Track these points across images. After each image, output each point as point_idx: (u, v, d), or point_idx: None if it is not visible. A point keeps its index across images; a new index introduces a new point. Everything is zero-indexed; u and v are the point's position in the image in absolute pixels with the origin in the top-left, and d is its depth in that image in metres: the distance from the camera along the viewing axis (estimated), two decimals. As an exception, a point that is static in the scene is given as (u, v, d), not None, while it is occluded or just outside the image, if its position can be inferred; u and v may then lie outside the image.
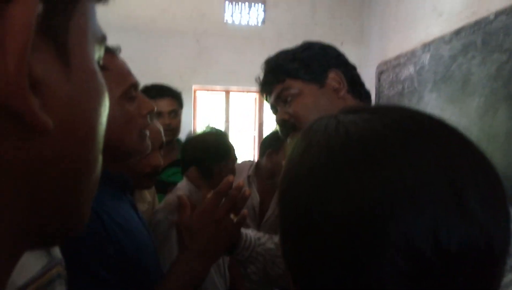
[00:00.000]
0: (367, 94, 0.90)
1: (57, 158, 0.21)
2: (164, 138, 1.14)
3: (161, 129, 1.09)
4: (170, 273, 0.75)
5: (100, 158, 0.25)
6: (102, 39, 0.25)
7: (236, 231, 0.81)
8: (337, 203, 0.31)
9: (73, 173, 0.23)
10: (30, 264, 0.44)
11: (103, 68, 0.25)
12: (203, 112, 4.11)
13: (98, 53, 0.24)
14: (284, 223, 0.36)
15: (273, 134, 2.00)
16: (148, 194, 1.48)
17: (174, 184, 1.62)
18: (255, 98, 4.09)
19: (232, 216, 0.81)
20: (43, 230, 0.23)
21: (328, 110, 0.82)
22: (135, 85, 0.74)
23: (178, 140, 2.09)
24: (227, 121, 4.03)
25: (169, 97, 1.88)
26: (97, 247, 0.65)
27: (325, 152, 0.33)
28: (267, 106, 0.93)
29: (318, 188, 0.32)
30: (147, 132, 0.78)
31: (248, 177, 1.98)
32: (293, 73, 0.85)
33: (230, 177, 0.81)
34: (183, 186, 1.54)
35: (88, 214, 0.26)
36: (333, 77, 0.85)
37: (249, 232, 0.96)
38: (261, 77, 0.92)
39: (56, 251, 0.52)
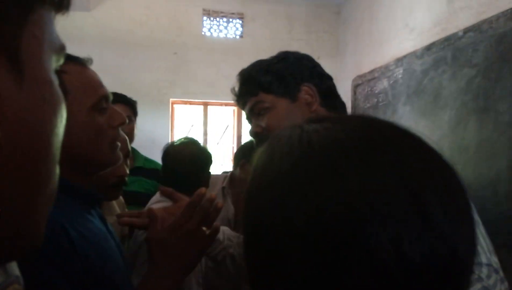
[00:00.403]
0: (342, 105, 0.90)
1: (7, 169, 0.20)
2: (129, 147, 1.12)
3: (127, 138, 1.07)
4: (142, 288, 0.73)
5: (56, 170, 0.24)
6: (61, 48, 0.24)
7: (208, 244, 0.80)
8: (298, 214, 0.30)
9: (26, 186, 0.22)
10: None
11: (72, 80, 0.25)
12: (180, 125, 4.09)
13: (56, 63, 0.24)
14: (246, 232, 0.35)
15: (247, 145, 2.00)
16: (117, 206, 1.45)
17: (133, 193, 1.60)
18: (234, 111, 4.10)
19: (204, 229, 0.79)
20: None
21: None
22: (105, 96, 0.73)
23: (133, 149, 2.07)
24: (205, 134, 4.02)
25: (121, 104, 1.85)
26: (62, 262, 0.62)
27: (287, 161, 0.32)
28: (245, 119, 0.94)
29: (279, 198, 0.31)
30: (118, 144, 0.77)
31: (223, 188, 1.97)
32: (265, 86, 0.86)
33: (202, 189, 0.80)
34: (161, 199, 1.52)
35: (44, 227, 0.25)
36: (306, 91, 0.85)
37: (221, 228, 0.95)
38: (236, 88, 0.93)
39: (13, 268, 0.50)
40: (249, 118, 0.91)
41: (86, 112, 0.68)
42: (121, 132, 0.85)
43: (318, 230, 0.29)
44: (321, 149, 0.31)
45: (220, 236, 0.94)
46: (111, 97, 0.75)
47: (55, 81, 0.23)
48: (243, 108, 0.92)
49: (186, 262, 0.76)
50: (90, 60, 0.73)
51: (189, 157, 1.46)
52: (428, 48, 2.49)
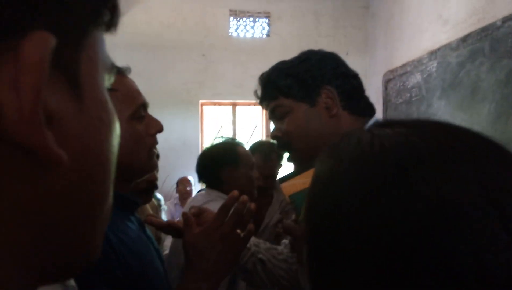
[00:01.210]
0: (369, 107, 0.86)
1: (70, 192, 0.21)
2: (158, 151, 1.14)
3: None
4: None
5: (112, 187, 0.25)
6: (112, 67, 0.24)
7: (243, 246, 0.80)
8: (371, 221, 0.29)
9: (86, 205, 0.22)
10: None
11: (112, 89, 0.24)
12: (210, 126, 4.12)
13: (108, 82, 0.24)
14: (312, 239, 0.34)
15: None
16: (150, 209, 1.48)
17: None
18: (262, 110, 4.09)
19: (238, 231, 0.79)
20: (56, 265, 0.22)
21: (319, 130, 0.81)
22: (144, 105, 0.74)
23: None
24: (234, 134, 4.03)
25: None
26: (105, 269, 0.63)
27: (358, 168, 0.31)
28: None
29: (350, 205, 0.30)
30: (155, 151, 0.78)
31: None
32: (285, 91, 0.85)
33: (235, 192, 0.80)
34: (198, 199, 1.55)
35: (101, 244, 0.26)
36: (326, 95, 0.83)
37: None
38: (258, 91, 0.92)
39: (70, 279, 0.51)
40: (271, 119, 0.92)
41: (125, 121, 0.69)
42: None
43: (391, 236, 0.28)
44: (395, 155, 0.30)
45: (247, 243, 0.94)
46: (148, 105, 0.76)
47: (109, 100, 0.23)
48: (266, 109, 0.92)
49: (223, 265, 0.76)
50: (128, 69, 0.74)
51: (206, 152, 1.54)
52: (464, 39, 2.39)
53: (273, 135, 0.89)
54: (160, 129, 0.76)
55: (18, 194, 0.18)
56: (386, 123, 0.34)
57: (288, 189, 0.73)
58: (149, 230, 0.95)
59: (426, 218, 0.27)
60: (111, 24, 0.23)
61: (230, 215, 0.77)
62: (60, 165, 0.18)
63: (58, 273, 0.23)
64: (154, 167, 0.77)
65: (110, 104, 0.23)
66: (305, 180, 0.70)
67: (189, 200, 1.65)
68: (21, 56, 0.17)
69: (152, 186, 0.99)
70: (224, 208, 0.77)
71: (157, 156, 1.08)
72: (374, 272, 0.28)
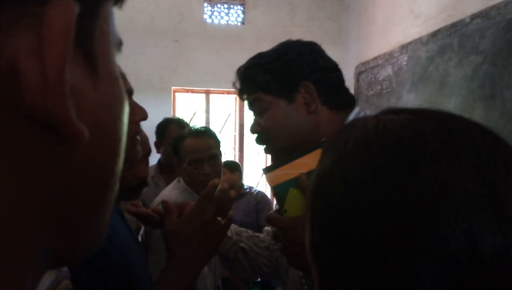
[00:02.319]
0: (349, 99, 0.87)
1: (85, 169, 0.20)
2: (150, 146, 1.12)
3: (147, 137, 1.07)
4: (160, 282, 0.73)
5: (120, 168, 0.24)
6: (120, 43, 0.23)
7: (223, 233, 0.81)
8: (374, 203, 0.30)
9: (100, 184, 0.22)
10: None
11: None
12: (183, 114, 4.07)
13: (117, 58, 0.23)
14: (316, 222, 0.35)
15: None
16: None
17: None
18: (235, 99, 4.08)
19: (219, 219, 0.80)
20: (66, 247, 0.21)
21: (298, 126, 0.82)
22: (128, 91, 0.73)
23: None
24: (207, 122, 4.01)
25: None
26: (89, 260, 0.63)
27: (363, 151, 0.33)
28: (247, 106, 0.94)
29: (355, 188, 0.32)
30: (138, 138, 0.77)
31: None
32: (263, 86, 0.85)
33: (215, 180, 0.81)
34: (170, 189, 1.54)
35: (106, 232, 0.25)
36: (304, 91, 0.83)
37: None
38: (237, 84, 0.92)
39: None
40: (251, 110, 0.92)
41: None
42: (143, 130, 0.86)
43: (394, 220, 0.29)
44: (399, 139, 0.32)
45: (228, 232, 0.95)
46: (133, 92, 0.75)
47: (120, 77, 0.22)
48: (244, 101, 0.93)
49: (204, 252, 0.77)
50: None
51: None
52: (434, 34, 2.47)
53: (252, 130, 0.89)
54: (144, 116, 0.75)
55: (36, 170, 0.18)
56: (391, 110, 0.36)
57: (272, 180, 0.73)
58: (129, 221, 0.94)
59: (425, 198, 0.29)
60: None
61: (211, 203, 0.78)
62: (81, 140, 0.18)
63: (66, 257, 0.22)
64: (136, 154, 0.77)
65: (121, 81, 0.22)
66: (289, 171, 0.72)
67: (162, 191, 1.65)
68: (45, 23, 0.16)
69: (143, 182, 0.98)
70: (204, 196, 0.78)
71: (149, 153, 1.06)
72: (377, 249, 0.30)
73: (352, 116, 0.83)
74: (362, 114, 0.84)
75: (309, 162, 0.70)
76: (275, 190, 0.73)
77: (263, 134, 0.86)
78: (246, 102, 0.92)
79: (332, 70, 0.88)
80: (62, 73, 0.16)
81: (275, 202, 0.92)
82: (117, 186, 0.24)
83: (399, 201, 0.29)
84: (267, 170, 0.74)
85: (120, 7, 0.23)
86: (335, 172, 0.34)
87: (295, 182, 0.71)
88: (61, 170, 0.19)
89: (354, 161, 0.33)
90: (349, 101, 0.88)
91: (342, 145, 0.35)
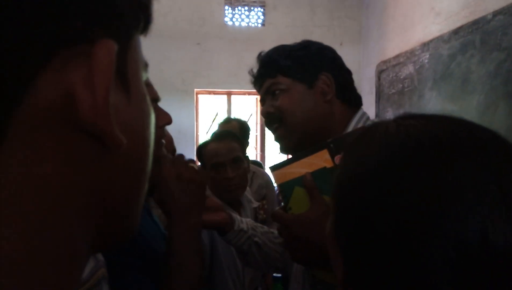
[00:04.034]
0: (357, 100, 0.91)
1: (125, 170, 0.25)
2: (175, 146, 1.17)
3: (172, 137, 1.12)
4: (170, 241, 0.77)
5: (149, 170, 0.29)
6: (146, 65, 0.29)
7: (203, 175, 0.84)
8: (397, 200, 0.34)
9: (134, 182, 0.27)
10: None
11: None
12: (205, 115, 4.15)
13: (144, 78, 0.28)
14: (342, 217, 0.39)
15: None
16: None
17: None
18: (256, 99, 4.13)
19: (191, 164, 0.83)
20: (105, 234, 0.27)
21: (312, 111, 0.84)
22: (155, 99, 0.79)
23: None
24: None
25: None
26: (123, 251, 0.69)
27: (385, 151, 0.37)
28: (260, 101, 0.95)
29: (377, 183, 0.36)
30: (163, 141, 0.83)
31: None
32: (284, 70, 0.86)
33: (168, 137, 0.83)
34: None
35: (138, 224, 0.30)
36: (323, 80, 0.85)
37: (243, 219, 1.00)
38: (255, 70, 0.94)
39: (99, 254, 0.55)
40: (263, 99, 0.93)
41: None
42: (167, 132, 0.91)
43: (413, 214, 0.33)
44: (418, 142, 0.35)
45: (244, 226, 0.98)
46: (159, 100, 0.80)
47: (147, 93, 0.28)
48: (259, 90, 0.93)
49: (190, 200, 0.79)
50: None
51: None
52: (456, 32, 2.45)
53: (264, 111, 0.90)
54: (168, 121, 0.80)
55: (88, 172, 0.23)
56: (409, 116, 0.40)
57: (278, 177, 0.75)
58: (156, 216, 1.00)
59: (443, 196, 0.33)
60: (145, 28, 0.27)
61: (176, 157, 0.83)
62: (120, 147, 0.23)
63: (104, 243, 0.27)
64: (161, 156, 0.82)
65: (148, 98, 0.28)
66: (295, 170, 0.74)
67: None
68: (94, 59, 0.20)
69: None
70: (165, 154, 0.81)
71: (174, 152, 1.11)
72: (399, 239, 0.34)
73: (357, 116, 0.86)
74: (366, 116, 0.87)
75: (314, 161, 0.72)
76: (281, 187, 0.75)
77: (275, 115, 0.87)
78: (258, 93, 0.94)
79: (348, 72, 0.92)
80: (107, 97, 0.21)
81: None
82: (147, 183, 0.29)
83: (419, 197, 0.33)
84: (274, 168, 0.76)
85: (146, 35, 0.28)
86: (360, 172, 0.38)
87: (300, 181, 0.72)
88: (106, 171, 0.24)
89: (378, 162, 0.37)
90: (359, 101, 0.91)
91: (365, 147, 0.39)
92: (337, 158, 0.70)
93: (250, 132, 1.83)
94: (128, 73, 0.25)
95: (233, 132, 1.58)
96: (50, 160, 0.21)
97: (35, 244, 0.21)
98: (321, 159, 0.71)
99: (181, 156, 0.83)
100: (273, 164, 0.77)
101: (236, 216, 1.00)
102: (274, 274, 1.31)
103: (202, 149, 1.48)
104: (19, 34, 0.18)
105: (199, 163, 1.52)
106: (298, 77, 0.86)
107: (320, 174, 0.71)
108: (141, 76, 0.27)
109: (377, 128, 0.40)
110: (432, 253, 0.32)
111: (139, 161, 0.27)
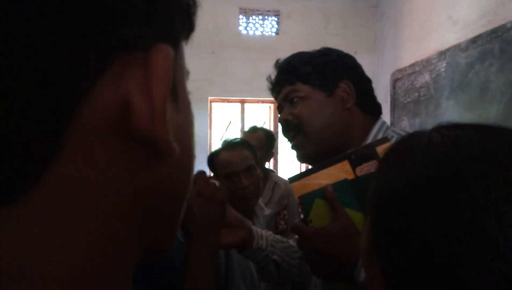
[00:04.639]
0: (377, 108, 0.89)
1: (171, 183, 0.24)
2: None
3: None
4: (187, 259, 0.77)
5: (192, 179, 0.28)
6: (187, 73, 0.28)
7: (224, 193, 0.82)
8: (444, 213, 0.32)
9: (181, 192, 0.26)
10: None
11: None
12: (219, 123, 4.16)
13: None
14: (384, 231, 0.38)
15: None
16: None
17: None
18: (270, 107, 4.13)
19: (214, 181, 0.82)
20: (147, 254, 0.25)
21: (331, 119, 0.82)
22: None
23: None
24: (242, 131, 4.07)
25: None
26: None
27: (431, 163, 0.35)
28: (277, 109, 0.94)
29: (424, 197, 0.34)
30: None
31: None
32: (304, 77, 0.84)
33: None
34: None
35: (176, 236, 0.29)
36: (343, 88, 0.84)
37: (264, 233, 0.97)
38: (273, 76, 0.92)
39: None
40: (280, 107, 0.91)
41: None
42: None
43: (464, 230, 0.32)
44: (470, 154, 0.34)
45: (263, 243, 0.95)
46: None
47: (190, 103, 0.27)
48: (276, 97, 0.92)
49: (209, 217, 0.79)
50: None
51: None
52: (474, 40, 2.42)
53: (282, 119, 0.88)
54: None
55: (141, 181, 0.22)
56: (450, 125, 0.39)
57: (298, 189, 0.73)
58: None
59: (498, 213, 0.31)
60: (188, 35, 0.26)
61: (197, 173, 0.82)
62: (172, 156, 0.21)
63: (142, 259, 0.25)
64: None
65: (191, 106, 0.27)
66: (314, 181, 0.71)
67: None
68: (152, 66, 0.19)
69: None
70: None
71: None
72: (448, 256, 0.32)
73: (377, 126, 0.84)
74: (386, 126, 0.85)
75: (335, 173, 0.70)
76: (301, 199, 0.73)
77: (294, 122, 0.85)
78: (275, 100, 0.93)
79: (368, 80, 0.90)
80: (165, 104, 0.20)
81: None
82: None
83: (470, 213, 0.31)
84: (292, 179, 0.74)
85: (187, 43, 0.27)
86: (405, 184, 0.36)
87: (321, 193, 0.70)
88: (156, 181, 0.23)
89: (424, 175, 0.35)
90: (379, 109, 0.89)
91: (408, 159, 0.37)
92: (359, 170, 0.68)
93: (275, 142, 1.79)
94: (177, 80, 0.24)
95: (244, 140, 1.54)
96: (106, 170, 0.20)
97: (92, 262, 0.20)
98: (342, 171, 0.70)
99: (203, 172, 0.82)
100: (292, 176, 0.76)
101: (256, 230, 0.97)
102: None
103: (213, 158, 1.45)
104: (80, 39, 0.18)
105: (212, 173, 1.50)
106: (317, 84, 0.84)
107: (341, 186, 0.69)
108: (185, 84, 0.26)
109: (417, 139, 0.38)
110: (485, 272, 0.31)
111: (186, 171, 0.26)
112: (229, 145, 1.45)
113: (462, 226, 0.32)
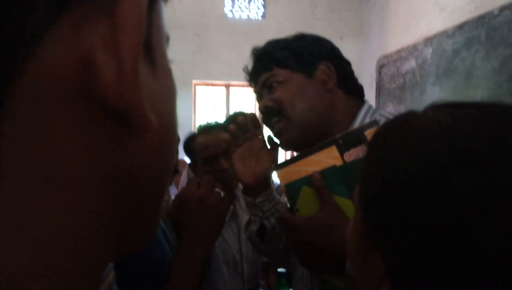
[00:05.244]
0: (360, 90, 0.86)
1: (149, 159, 0.20)
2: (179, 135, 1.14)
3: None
4: (173, 263, 0.74)
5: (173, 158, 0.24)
6: (167, 38, 0.24)
7: (227, 205, 0.78)
8: (459, 196, 0.30)
9: (161, 173, 0.22)
10: None
11: None
12: (203, 107, 4.11)
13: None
14: (389, 220, 0.35)
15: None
16: None
17: None
18: (255, 93, 4.11)
19: (218, 190, 0.78)
20: (126, 245, 0.22)
21: (313, 101, 0.78)
22: None
23: None
24: (227, 115, 4.04)
25: None
26: None
27: (444, 146, 0.32)
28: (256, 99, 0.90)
29: (436, 181, 0.32)
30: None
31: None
32: (281, 61, 0.81)
33: None
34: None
35: (158, 226, 0.25)
36: (323, 70, 0.80)
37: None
38: (249, 66, 0.88)
39: None
40: (259, 95, 0.87)
41: None
42: None
43: (480, 215, 0.30)
44: (488, 136, 0.31)
45: (274, 201, 0.90)
46: None
47: (171, 70, 0.23)
48: (255, 86, 0.88)
49: (207, 227, 0.75)
50: None
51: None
52: (460, 27, 2.44)
53: (262, 106, 0.84)
54: None
55: (108, 159, 0.18)
56: (452, 104, 0.36)
57: (284, 177, 0.70)
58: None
59: (495, 201, 0.29)
60: None
61: (204, 178, 0.78)
62: (149, 129, 0.18)
63: (121, 252, 0.22)
64: None
65: (172, 73, 0.23)
66: (301, 168, 0.68)
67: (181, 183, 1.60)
68: (119, 16, 0.16)
69: (174, 170, 0.99)
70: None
71: (178, 140, 1.07)
72: (462, 243, 0.30)
73: (364, 109, 0.81)
74: (372, 109, 0.82)
75: (322, 159, 0.67)
76: (287, 188, 0.70)
77: (275, 107, 0.81)
78: (253, 91, 0.89)
79: (347, 63, 0.87)
80: (135, 63, 0.16)
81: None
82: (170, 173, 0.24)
83: (487, 196, 0.30)
84: (278, 167, 0.71)
85: (166, 3, 0.23)
86: (415, 170, 0.33)
87: (308, 180, 0.67)
88: (129, 160, 0.19)
89: (441, 159, 0.32)
90: (361, 92, 0.86)
91: (413, 142, 0.34)
92: (347, 155, 0.65)
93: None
94: (153, 40, 0.20)
95: (220, 123, 1.50)
96: (64, 150, 0.16)
97: (46, 257, 0.16)
98: (329, 157, 0.66)
99: (210, 179, 0.78)
100: (277, 163, 0.72)
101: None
102: (279, 270, 1.27)
103: (190, 143, 1.42)
104: None
105: (189, 159, 1.46)
106: (296, 67, 0.81)
107: (329, 172, 0.66)
108: (164, 48, 0.22)
109: (421, 120, 0.35)
110: (497, 262, 0.29)
111: (166, 147, 0.22)
112: (205, 129, 1.42)
113: (488, 211, 0.30)
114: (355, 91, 0.84)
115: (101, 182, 0.18)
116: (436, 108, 0.36)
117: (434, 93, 2.67)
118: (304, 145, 0.75)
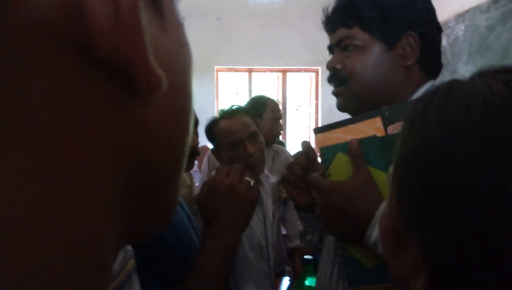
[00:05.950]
0: (438, 68, 0.78)
1: (160, 129, 0.17)
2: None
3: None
4: (200, 252, 0.71)
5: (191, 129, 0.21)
6: None
7: (256, 193, 0.76)
8: (489, 165, 0.27)
9: (176, 147, 0.19)
10: None
11: None
12: (225, 93, 4.08)
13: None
14: (419, 202, 0.32)
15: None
16: (187, 177, 1.46)
17: None
18: (278, 77, 4.02)
19: (248, 179, 0.76)
20: (140, 228, 0.20)
21: (386, 77, 0.73)
22: None
23: None
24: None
25: None
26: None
27: (498, 118, 0.28)
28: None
29: (489, 160, 0.28)
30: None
31: None
32: (365, 23, 0.74)
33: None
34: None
35: (176, 206, 0.22)
36: (408, 41, 0.73)
37: None
38: (329, 9, 0.80)
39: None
40: (331, 48, 0.82)
41: None
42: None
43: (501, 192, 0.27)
44: None
45: None
46: None
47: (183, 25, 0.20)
48: (329, 34, 0.81)
49: (239, 215, 0.74)
50: None
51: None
52: (495, 1, 2.28)
53: (331, 66, 0.79)
54: None
55: (108, 125, 0.15)
56: (508, 69, 0.31)
57: (321, 140, 0.70)
58: (181, 197, 0.95)
59: None
60: None
61: (234, 166, 0.76)
62: (158, 90, 0.14)
63: (134, 235, 0.20)
64: None
65: (184, 30, 0.19)
66: (341, 135, 0.68)
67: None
68: None
69: (194, 151, 0.97)
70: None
71: (197, 122, 1.05)
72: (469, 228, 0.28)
73: (426, 86, 0.74)
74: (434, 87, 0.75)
75: (364, 129, 0.66)
76: (322, 151, 0.70)
77: (342, 74, 0.77)
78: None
79: (439, 29, 0.78)
80: (138, 8, 0.13)
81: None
82: (188, 149, 0.20)
83: None
84: (317, 131, 0.70)
85: None
86: (449, 138, 0.30)
87: (345, 147, 0.67)
88: (132, 130, 0.16)
89: (482, 126, 0.28)
90: (438, 70, 0.78)
91: (453, 111, 0.30)
92: (391, 128, 0.63)
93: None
94: None
95: (242, 107, 1.45)
96: (49, 107, 0.13)
97: (37, 246, 0.13)
98: (372, 127, 0.65)
99: (241, 166, 0.76)
100: (317, 127, 0.71)
101: None
102: (305, 257, 1.24)
103: (212, 129, 1.38)
104: None
105: (212, 145, 1.44)
106: (378, 34, 0.74)
107: (368, 142, 0.65)
108: (176, 2, 0.19)
109: (468, 89, 0.31)
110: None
111: (180, 116, 0.18)
112: (228, 113, 1.38)
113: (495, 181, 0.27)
114: (433, 69, 0.77)
115: (102, 156, 0.15)
116: (485, 75, 0.31)
117: (467, 73, 2.49)
118: (358, 113, 0.71)
